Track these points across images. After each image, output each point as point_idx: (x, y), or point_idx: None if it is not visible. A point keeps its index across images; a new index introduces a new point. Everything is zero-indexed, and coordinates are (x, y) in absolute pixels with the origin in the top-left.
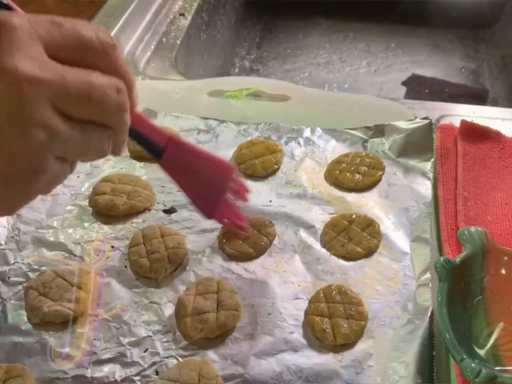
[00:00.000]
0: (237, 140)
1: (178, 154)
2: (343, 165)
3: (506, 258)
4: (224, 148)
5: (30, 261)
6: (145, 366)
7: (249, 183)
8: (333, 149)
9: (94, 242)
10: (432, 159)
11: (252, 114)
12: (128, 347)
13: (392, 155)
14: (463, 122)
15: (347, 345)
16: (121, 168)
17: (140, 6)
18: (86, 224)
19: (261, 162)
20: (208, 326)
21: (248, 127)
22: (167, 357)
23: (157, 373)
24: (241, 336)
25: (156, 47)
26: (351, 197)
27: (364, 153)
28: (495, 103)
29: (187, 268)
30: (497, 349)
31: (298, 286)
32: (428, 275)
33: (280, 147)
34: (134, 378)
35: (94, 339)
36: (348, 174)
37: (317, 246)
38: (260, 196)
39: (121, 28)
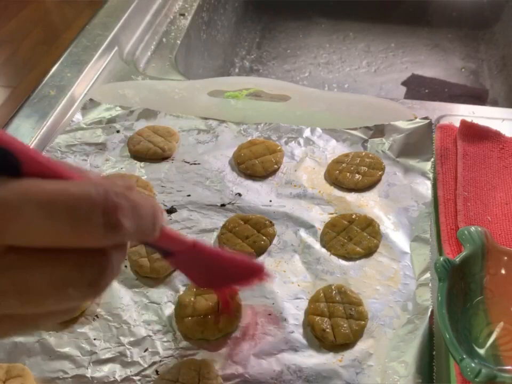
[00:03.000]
0: (237, 140)
1: (193, 258)
2: (343, 165)
3: (506, 258)
4: (224, 147)
5: None
6: (145, 365)
7: (249, 183)
8: (333, 149)
9: None
10: (432, 159)
11: (252, 114)
12: (128, 347)
13: (392, 155)
14: (463, 122)
15: (347, 345)
16: (121, 168)
17: (140, 6)
18: None
19: (261, 162)
20: (208, 329)
21: (248, 127)
22: (167, 357)
23: (157, 372)
24: (241, 336)
25: (156, 47)
26: (351, 197)
27: (363, 153)
28: (494, 103)
29: None
30: (497, 348)
31: (298, 285)
32: (427, 275)
33: (280, 147)
34: (134, 378)
35: (94, 339)
36: (348, 174)
37: (316, 246)
38: (260, 195)
39: (121, 28)
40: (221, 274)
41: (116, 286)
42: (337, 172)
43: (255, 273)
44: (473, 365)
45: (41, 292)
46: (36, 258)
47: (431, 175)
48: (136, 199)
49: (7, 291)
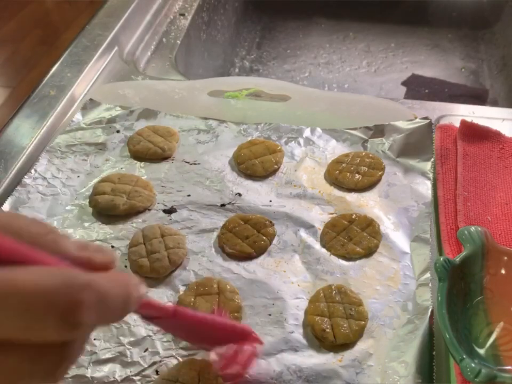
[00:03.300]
0: (237, 139)
1: (175, 323)
2: (343, 165)
3: (506, 258)
4: (224, 147)
5: None
6: (145, 365)
7: (249, 183)
8: (333, 149)
9: (94, 243)
10: (432, 159)
11: (252, 114)
12: (128, 347)
13: (392, 155)
14: (463, 122)
15: (347, 345)
16: (121, 168)
17: (140, 6)
18: (86, 224)
19: (261, 162)
20: None
21: (248, 127)
22: (167, 357)
23: (157, 372)
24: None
25: (156, 47)
26: (351, 197)
27: (363, 153)
28: (494, 103)
29: (187, 267)
30: (497, 348)
31: (298, 285)
32: (427, 275)
33: (280, 147)
34: (134, 378)
35: (94, 339)
36: (348, 174)
37: (316, 246)
38: (260, 195)
39: (121, 28)
40: (207, 336)
41: None
42: (337, 172)
43: (244, 337)
44: (473, 365)
45: None
46: None
47: (431, 175)
48: (105, 288)
49: None
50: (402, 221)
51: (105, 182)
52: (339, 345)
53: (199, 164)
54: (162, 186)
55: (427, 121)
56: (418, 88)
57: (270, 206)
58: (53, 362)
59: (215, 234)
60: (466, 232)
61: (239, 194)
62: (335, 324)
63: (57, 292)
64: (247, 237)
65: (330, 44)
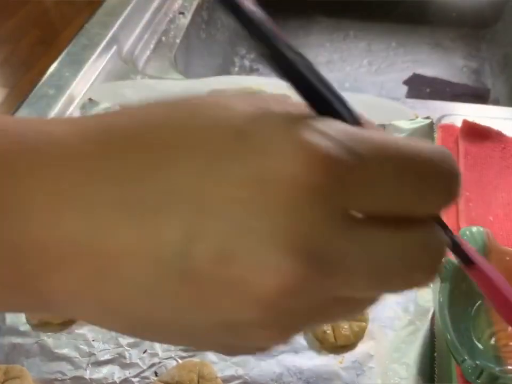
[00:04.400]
0: None
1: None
2: None
3: (508, 258)
4: None
5: None
6: (144, 367)
7: None
8: None
9: None
10: None
11: None
12: (127, 348)
13: None
14: (465, 122)
15: (347, 346)
16: None
17: (139, 4)
18: None
19: None
20: None
21: None
22: (166, 358)
23: (156, 374)
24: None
25: (155, 46)
26: None
27: None
28: (496, 103)
29: None
30: (498, 350)
31: None
32: None
33: None
34: (133, 379)
35: (93, 340)
36: None
37: None
38: None
39: (120, 27)
40: None
41: None
42: None
43: None
44: (474, 366)
45: (393, 272)
46: (384, 230)
47: None
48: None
49: (358, 267)
50: None
51: None
52: (340, 346)
53: None
54: None
55: (428, 120)
56: (420, 88)
57: None
58: (440, 247)
59: None
60: (468, 232)
61: None
62: (335, 325)
63: (439, 159)
64: None
65: (330, 42)
